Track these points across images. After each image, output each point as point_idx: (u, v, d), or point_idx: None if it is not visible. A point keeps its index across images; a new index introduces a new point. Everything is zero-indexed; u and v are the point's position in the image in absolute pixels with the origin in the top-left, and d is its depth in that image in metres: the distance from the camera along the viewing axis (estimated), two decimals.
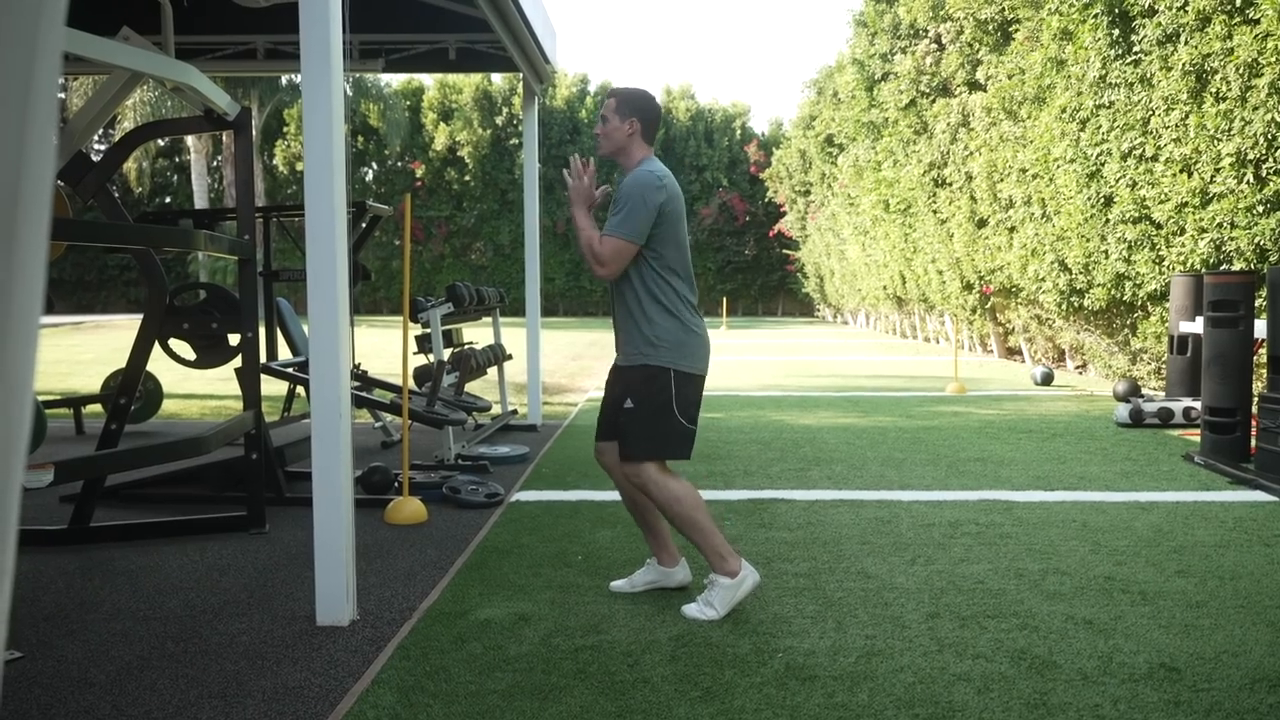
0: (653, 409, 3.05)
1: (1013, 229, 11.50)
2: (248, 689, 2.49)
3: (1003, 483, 5.14)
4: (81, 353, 14.97)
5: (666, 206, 3.07)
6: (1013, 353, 14.78)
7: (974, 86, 12.70)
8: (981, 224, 12.69)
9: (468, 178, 37.40)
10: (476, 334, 8.12)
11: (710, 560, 3.06)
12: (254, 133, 31.07)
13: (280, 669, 2.63)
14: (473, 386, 8.32)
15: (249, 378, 4.27)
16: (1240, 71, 6.60)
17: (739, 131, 39.27)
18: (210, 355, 5.27)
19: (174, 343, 5.34)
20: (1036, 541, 3.92)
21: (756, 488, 5.03)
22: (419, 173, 37.61)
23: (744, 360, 14.61)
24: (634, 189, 3.05)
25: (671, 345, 3.05)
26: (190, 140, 30.95)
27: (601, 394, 3.35)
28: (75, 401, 7.37)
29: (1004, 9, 11.00)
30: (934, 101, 13.99)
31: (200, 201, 29.78)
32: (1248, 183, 6.69)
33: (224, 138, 29.63)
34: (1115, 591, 3.26)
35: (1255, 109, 6.49)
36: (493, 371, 7.49)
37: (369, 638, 2.87)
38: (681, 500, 3.04)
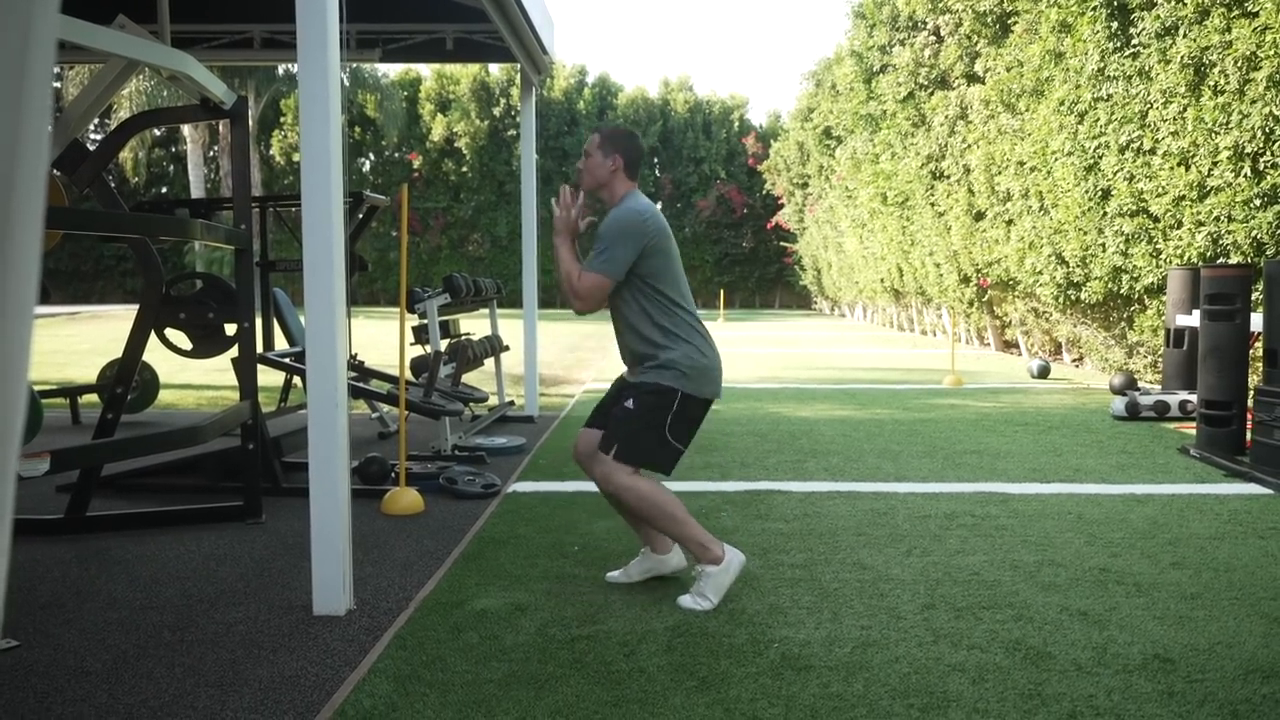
0: (646, 420, 3.05)
1: (1010, 222, 11.50)
2: (244, 678, 2.50)
3: (999, 475, 5.15)
4: (78, 343, 14.95)
5: (651, 242, 3.09)
6: (1010, 346, 14.79)
7: (972, 79, 12.67)
8: (979, 217, 12.68)
9: (465, 169, 37.32)
10: (474, 325, 8.12)
11: (693, 551, 3.08)
12: (250, 122, 30.98)
13: (277, 658, 2.63)
14: (470, 378, 8.32)
15: (245, 368, 4.27)
16: (1238, 64, 6.60)
17: (737, 123, 39.20)
18: (206, 345, 5.26)
19: (170, 332, 5.33)
20: (1032, 533, 3.93)
21: (753, 479, 5.04)
22: (416, 164, 37.52)
23: (741, 352, 14.61)
24: (615, 226, 3.08)
25: (684, 370, 3.07)
26: (187, 130, 30.83)
27: (606, 384, 3.37)
28: (71, 391, 7.36)
29: (1003, 1, 10.98)
30: (932, 94, 13.97)
31: (197, 192, 29.69)
32: (1245, 176, 6.69)
33: (220, 128, 29.53)
34: (1110, 583, 3.27)
35: (1253, 102, 6.49)
36: (490, 363, 7.49)
37: (365, 627, 2.87)
38: (648, 496, 3.04)
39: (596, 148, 3.20)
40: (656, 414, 3.05)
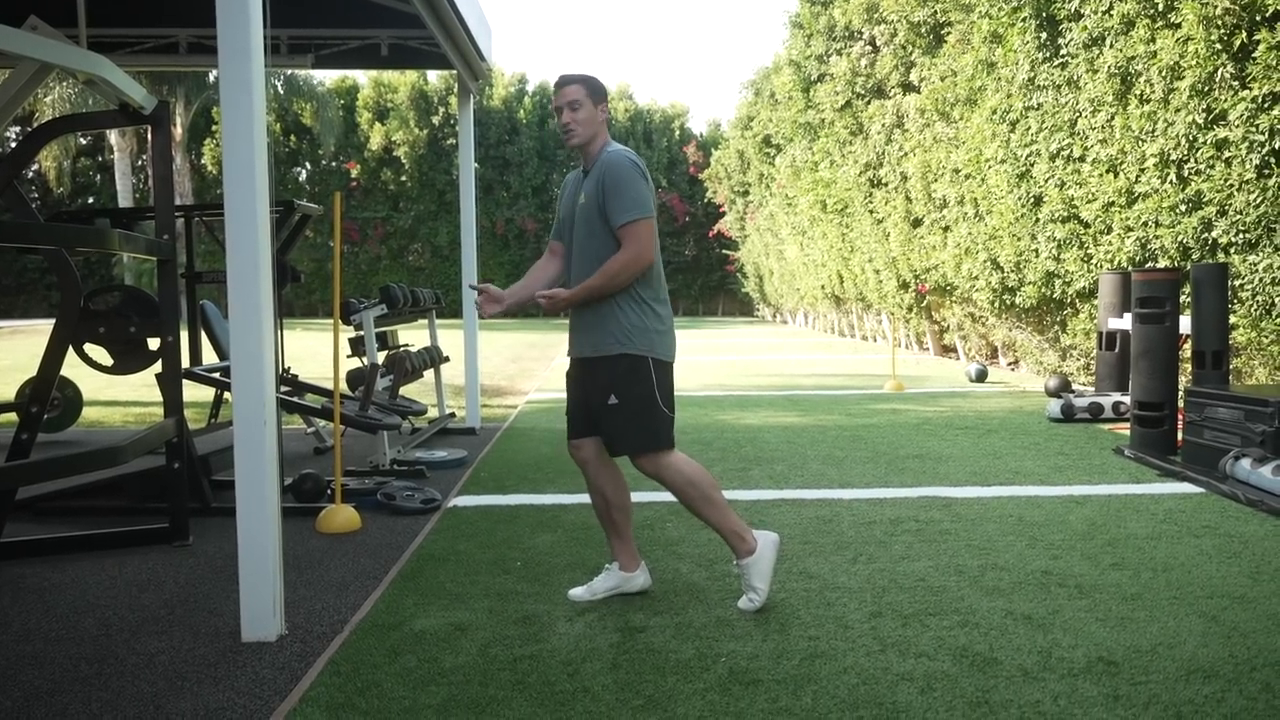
0: (639, 402, 3.02)
1: (947, 228, 11.69)
2: (166, 712, 2.36)
3: (941, 479, 5.19)
4: None
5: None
6: (948, 350, 15.03)
7: (908, 88, 12.88)
8: (916, 223, 12.88)
9: (404, 178, 36.89)
10: (413, 336, 7.96)
11: (730, 541, 3.07)
12: (181, 131, 30.20)
13: (202, 690, 2.50)
14: (410, 390, 8.15)
15: (170, 383, 4.10)
16: (1163, 74, 6.78)
17: (678, 132, 39.42)
18: (128, 360, 5.04)
19: (90, 347, 5.11)
20: (975, 537, 3.95)
21: None
22: (354, 173, 36.98)
23: (684, 360, 14.61)
24: (629, 169, 2.97)
25: (646, 332, 3.05)
26: (114, 138, 29.96)
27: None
28: None
29: (936, 12, 11.17)
30: (869, 103, 14.16)
31: (125, 201, 28.83)
32: (1170, 183, 6.87)
33: (149, 135, 28.75)
34: (1052, 586, 3.29)
35: (1177, 111, 6.67)
36: (430, 374, 7.35)
37: (297, 653, 2.75)
38: (696, 482, 3.05)
39: (586, 98, 3.03)
40: (641, 389, 3.02)
